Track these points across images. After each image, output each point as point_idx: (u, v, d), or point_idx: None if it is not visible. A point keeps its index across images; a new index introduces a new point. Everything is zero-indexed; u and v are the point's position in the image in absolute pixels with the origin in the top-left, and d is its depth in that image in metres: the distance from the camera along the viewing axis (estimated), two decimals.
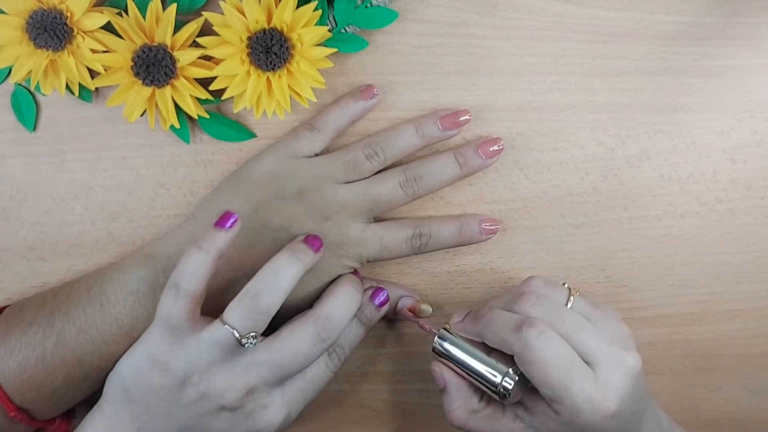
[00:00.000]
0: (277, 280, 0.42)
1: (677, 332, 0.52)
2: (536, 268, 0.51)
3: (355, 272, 0.47)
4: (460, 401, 0.45)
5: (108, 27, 0.43)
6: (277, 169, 0.45)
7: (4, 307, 0.46)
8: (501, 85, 0.48)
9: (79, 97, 0.46)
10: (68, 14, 0.42)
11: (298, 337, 0.42)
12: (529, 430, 0.43)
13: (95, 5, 0.43)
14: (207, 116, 0.46)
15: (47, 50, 0.42)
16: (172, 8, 0.42)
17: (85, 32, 0.43)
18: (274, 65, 0.43)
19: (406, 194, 0.46)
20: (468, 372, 0.44)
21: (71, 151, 0.47)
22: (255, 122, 0.48)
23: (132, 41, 0.43)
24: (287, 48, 0.43)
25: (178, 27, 0.43)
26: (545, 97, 0.48)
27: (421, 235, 0.47)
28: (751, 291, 0.52)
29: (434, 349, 0.45)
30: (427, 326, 0.46)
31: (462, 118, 0.47)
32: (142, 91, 0.44)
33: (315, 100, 0.45)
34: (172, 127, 0.45)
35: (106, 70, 0.44)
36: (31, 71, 0.43)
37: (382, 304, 0.47)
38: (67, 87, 0.44)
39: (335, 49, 0.44)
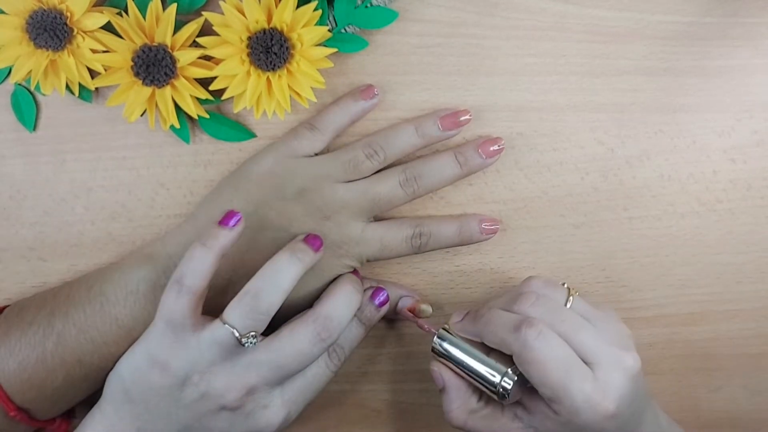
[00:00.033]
0: (277, 280, 0.42)
1: (677, 332, 0.52)
2: (536, 268, 0.51)
3: (355, 272, 0.47)
4: (459, 401, 0.45)
5: (108, 27, 0.43)
6: (276, 169, 0.45)
7: (4, 307, 0.46)
8: (501, 85, 0.48)
9: (79, 97, 0.46)
10: (68, 14, 0.42)
11: (298, 337, 0.42)
12: (528, 430, 0.43)
13: (95, 5, 0.43)
14: (207, 116, 0.46)
15: (47, 50, 0.42)
16: (172, 8, 0.42)
17: (85, 32, 0.43)
18: (274, 65, 0.43)
19: (406, 193, 0.46)
20: (467, 372, 0.44)
21: (71, 151, 0.47)
22: (255, 122, 0.48)
23: (132, 41, 0.43)
24: (287, 48, 0.43)
25: (178, 27, 0.43)
26: (545, 97, 0.48)
27: (421, 235, 0.47)
28: (751, 291, 0.52)
29: (433, 349, 0.45)
30: (426, 326, 0.46)
31: (462, 118, 0.47)
32: (142, 91, 0.44)
33: (315, 100, 0.45)
34: (172, 127, 0.45)
35: (106, 70, 0.44)
36: (31, 71, 0.43)
37: (382, 304, 0.47)
38: (67, 87, 0.44)
39: (335, 49, 0.44)
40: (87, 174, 0.48)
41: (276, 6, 0.42)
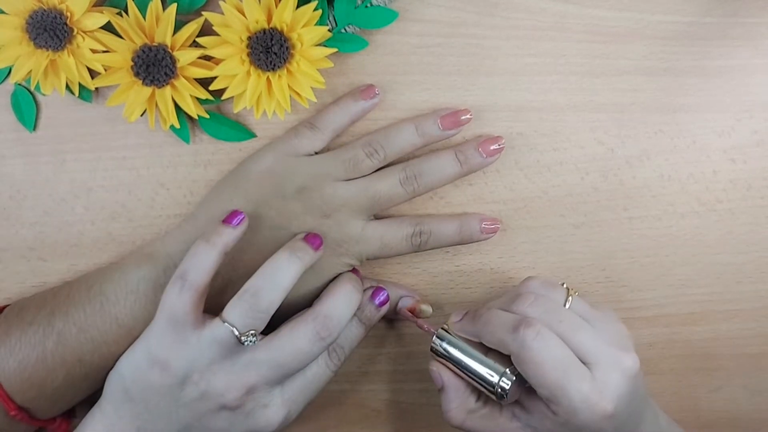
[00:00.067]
0: (276, 279, 0.42)
1: (677, 332, 0.52)
2: (536, 268, 0.51)
3: (355, 271, 0.47)
4: (457, 401, 0.45)
5: (108, 27, 0.43)
6: (276, 168, 0.45)
7: (4, 307, 0.46)
8: (501, 85, 0.48)
9: (79, 97, 0.46)
10: (68, 14, 0.42)
11: (297, 336, 0.42)
12: (527, 430, 0.43)
13: (95, 5, 0.43)
14: (207, 116, 0.46)
15: (47, 50, 0.42)
16: (172, 8, 0.42)
17: (85, 32, 0.43)
18: (274, 65, 0.43)
19: (406, 192, 0.46)
20: (466, 372, 0.44)
21: (71, 151, 0.47)
22: (255, 122, 0.48)
23: (132, 41, 0.43)
24: (287, 48, 0.43)
25: (178, 27, 0.43)
26: (545, 97, 0.48)
27: (421, 233, 0.47)
28: (751, 291, 0.52)
29: (432, 349, 0.45)
30: (425, 326, 0.46)
31: (462, 118, 0.47)
32: (142, 91, 0.44)
33: (315, 100, 0.45)
34: (172, 127, 0.45)
35: (106, 70, 0.44)
36: (31, 71, 0.43)
37: (382, 303, 0.47)
38: (67, 87, 0.44)
39: (335, 49, 0.44)
40: (87, 174, 0.48)
41: (276, 6, 0.42)
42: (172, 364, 0.41)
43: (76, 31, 0.43)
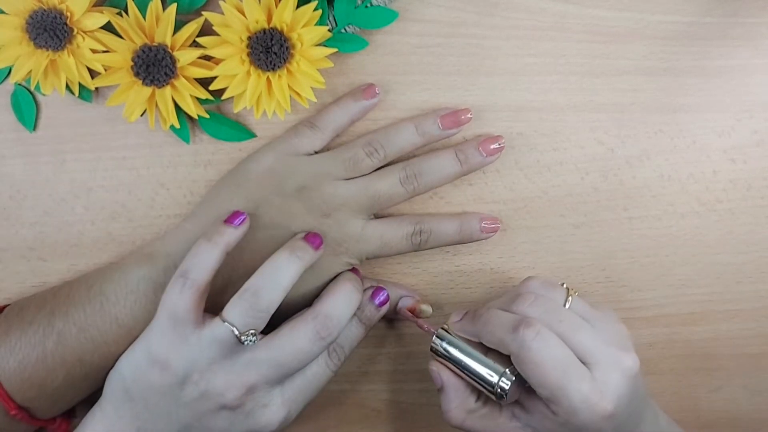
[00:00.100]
0: (276, 278, 0.42)
1: (677, 332, 0.52)
2: (536, 268, 0.51)
3: (355, 271, 0.47)
4: (457, 401, 0.45)
5: (108, 27, 0.43)
6: (276, 167, 0.45)
7: (4, 306, 0.46)
8: (501, 85, 0.48)
9: (79, 97, 0.46)
10: (68, 14, 0.42)
11: (297, 335, 0.42)
12: (526, 430, 0.43)
13: (95, 5, 0.43)
14: (207, 116, 0.46)
15: (47, 50, 0.42)
16: (172, 8, 0.42)
17: (85, 32, 0.43)
18: (274, 65, 0.43)
19: (406, 191, 0.46)
20: (465, 372, 0.44)
21: (71, 151, 0.47)
22: (255, 122, 0.48)
23: (132, 41, 0.43)
24: (287, 48, 0.43)
25: (178, 27, 0.43)
26: (545, 97, 0.48)
27: (421, 232, 0.47)
28: (751, 291, 0.52)
29: (432, 349, 0.45)
30: (425, 326, 0.46)
31: (462, 117, 0.47)
32: (142, 91, 0.44)
33: (315, 100, 0.45)
34: (172, 127, 0.45)
35: (106, 70, 0.44)
36: (31, 71, 0.43)
37: (382, 303, 0.47)
38: (67, 87, 0.44)
39: (335, 49, 0.44)
40: (87, 174, 0.48)
41: (276, 6, 0.42)
42: (172, 363, 0.41)
43: (76, 31, 0.43)
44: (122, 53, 0.43)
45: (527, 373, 0.41)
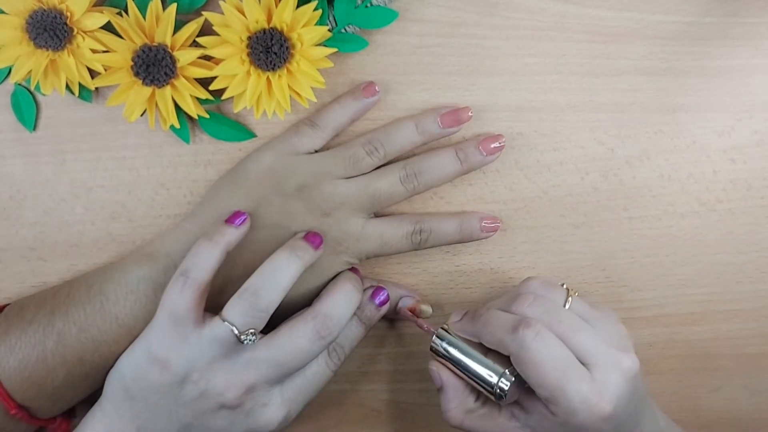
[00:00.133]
0: (276, 278, 0.42)
1: (677, 332, 0.52)
2: (536, 268, 0.51)
3: (355, 270, 0.47)
4: (456, 401, 0.45)
5: (108, 27, 0.43)
6: (276, 166, 0.45)
7: (4, 306, 0.46)
8: (501, 85, 0.48)
9: (79, 97, 0.46)
10: (68, 14, 0.42)
11: (297, 334, 0.42)
12: (525, 430, 0.43)
13: (95, 5, 0.43)
14: (207, 116, 0.46)
15: (47, 50, 0.43)
16: (172, 8, 0.42)
17: (85, 32, 0.43)
18: (274, 65, 0.43)
19: (406, 189, 0.46)
20: (465, 372, 0.44)
21: (71, 151, 0.47)
22: (255, 122, 0.48)
23: (132, 41, 0.43)
24: (287, 48, 0.43)
25: (178, 27, 0.43)
26: (545, 97, 0.48)
27: (421, 231, 0.47)
28: (751, 291, 0.52)
29: (432, 349, 0.45)
30: (425, 326, 0.46)
31: (462, 116, 0.47)
32: (142, 91, 0.44)
33: (315, 100, 0.45)
34: (172, 127, 0.45)
35: (106, 70, 0.44)
36: (31, 71, 0.43)
37: (382, 303, 0.47)
38: (67, 87, 0.44)
39: (335, 49, 0.44)
40: (87, 174, 0.48)
41: (276, 6, 0.42)
42: (172, 362, 0.41)
43: (76, 31, 0.43)
44: (122, 53, 0.43)
45: (526, 374, 0.41)
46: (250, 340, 0.41)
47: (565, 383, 0.40)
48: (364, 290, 0.47)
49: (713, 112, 0.49)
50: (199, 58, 0.44)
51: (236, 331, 0.41)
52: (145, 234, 0.48)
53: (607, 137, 0.49)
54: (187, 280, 0.41)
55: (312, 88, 0.44)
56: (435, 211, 0.49)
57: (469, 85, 0.48)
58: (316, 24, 0.43)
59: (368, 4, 0.45)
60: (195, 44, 0.43)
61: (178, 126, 0.45)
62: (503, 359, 0.42)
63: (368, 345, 0.51)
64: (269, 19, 0.43)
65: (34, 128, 0.47)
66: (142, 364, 0.42)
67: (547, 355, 0.40)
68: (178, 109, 0.45)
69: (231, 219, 0.43)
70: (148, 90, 0.44)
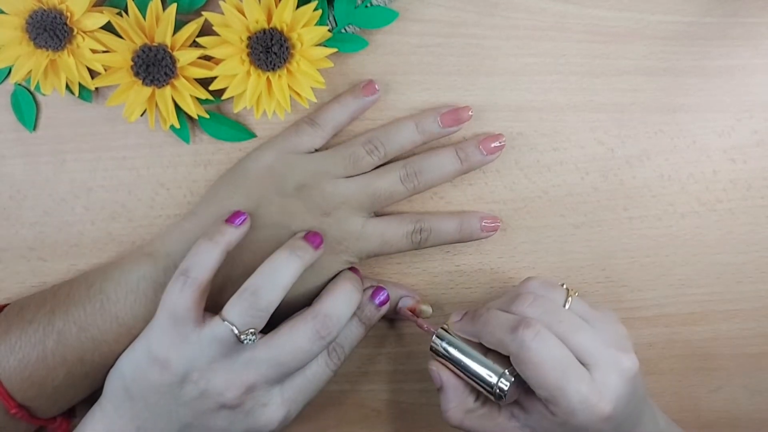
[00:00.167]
0: (276, 277, 0.42)
1: (677, 332, 0.52)
2: (536, 268, 0.51)
3: (355, 270, 0.47)
4: (456, 400, 0.45)
5: (108, 27, 0.43)
6: (276, 165, 0.45)
7: (4, 306, 0.46)
8: (501, 85, 0.48)
9: (79, 97, 0.46)
10: (68, 14, 0.42)
11: (297, 334, 0.42)
12: (525, 430, 0.43)
13: (95, 5, 0.43)
14: (207, 116, 0.46)
15: (47, 50, 0.43)
16: (172, 8, 0.42)
17: (85, 32, 0.43)
18: (274, 65, 0.43)
19: (406, 189, 0.46)
20: (465, 372, 0.44)
21: (71, 151, 0.47)
22: (255, 122, 0.48)
23: (132, 41, 0.43)
24: (287, 48, 0.43)
25: (178, 27, 0.43)
26: (545, 97, 0.48)
27: (421, 230, 0.47)
28: (751, 291, 0.52)
29: (432, 349, 0.45)
30: (425, 326, 0.46)
31: (463, 115, 0.47)
32: (142, 91, 0.44)
33: (315, 100, 0.45)
34: (172, 127, 0.45)
35: (106, 70, 0.44)
36: (31, 71, 0.43)
37: (382, 303, 0.47)
38: (67, 87, 0.44)
39: (335, 49, 0.44)
40: (87, 174, 0.48)
41: (276, 6, 0.42)
42: (172, 362, 0.41)
43: (76, 31, 0.43)
44: (122, 53, 0.43)
45: (526, 374, 0.41)
46: (250, 340, 0.41)
47: (565, 383, 0.40)
48: (364, 290, 0.47)
49: (713, 112, 0.49)
50: (199, 58, 0.44)
51: (236, 331, 0.41)
52: (145, 234, 0.48)
53: (607, 137, 0.49)
54: (187, 279, 0.41)
55: (312, 88, 0.44)
56: (435, 210, 0.49)
57: (469, 85, 0.48)
58: (316, 24, 0.43)
59: (368, 4, 0.45)
60: (195, 44, 0.44)
61: (178, 126, 0.45)
62: (503, 359, 0.42)
63: (368, 345, 0.51)
64: (269, 19, 0.43)
65: (34, 128, 0.47)
66: (142, 364, 0.42)
67: (546, 355, 0.40)
68: (178, 109, 0.45)
69: (231, 218, 0.43)
70: (148, 90, 0.44)
